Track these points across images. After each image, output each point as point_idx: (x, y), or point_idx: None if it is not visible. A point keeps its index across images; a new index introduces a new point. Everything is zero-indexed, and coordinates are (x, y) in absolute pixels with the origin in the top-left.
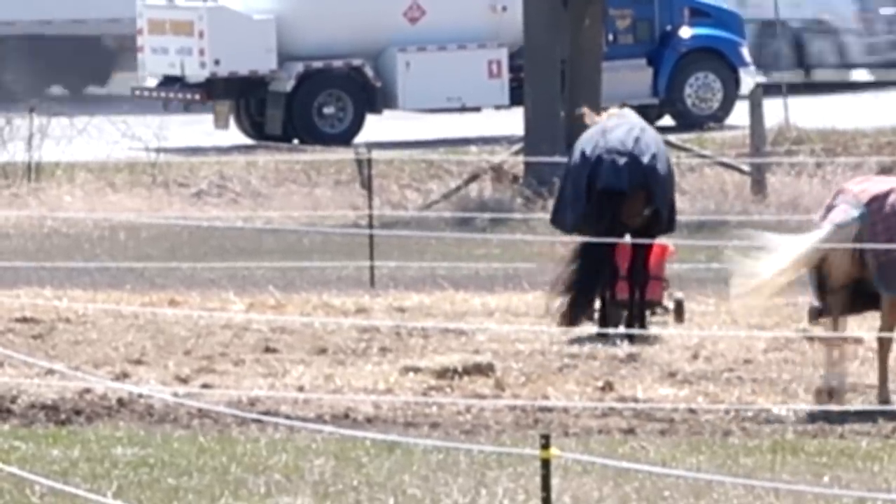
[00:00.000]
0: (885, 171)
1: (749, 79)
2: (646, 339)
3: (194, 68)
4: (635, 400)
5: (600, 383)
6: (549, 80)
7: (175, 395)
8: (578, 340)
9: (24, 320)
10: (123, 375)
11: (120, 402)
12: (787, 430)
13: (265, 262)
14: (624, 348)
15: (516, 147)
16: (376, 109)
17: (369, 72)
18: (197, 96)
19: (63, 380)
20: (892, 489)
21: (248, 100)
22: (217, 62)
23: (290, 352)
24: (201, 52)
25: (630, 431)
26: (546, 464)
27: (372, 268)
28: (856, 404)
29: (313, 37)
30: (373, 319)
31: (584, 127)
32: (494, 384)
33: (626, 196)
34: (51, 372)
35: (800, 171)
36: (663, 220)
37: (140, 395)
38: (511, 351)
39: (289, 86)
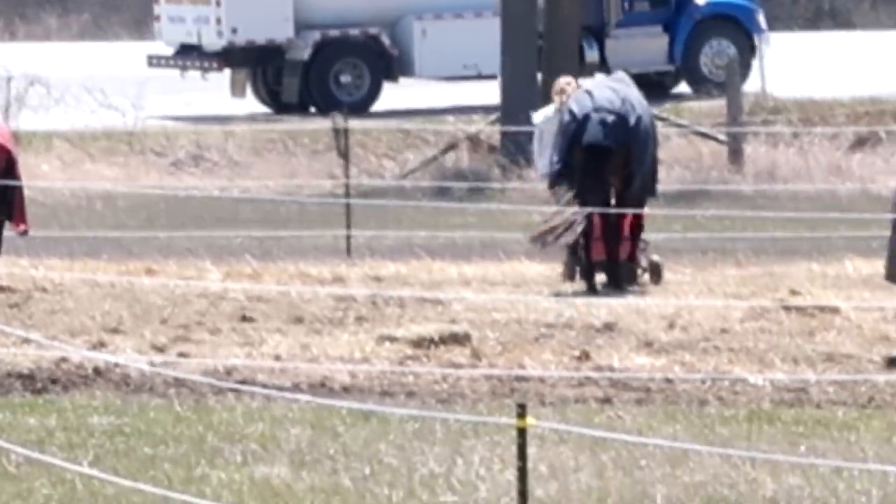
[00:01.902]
0: None
1: (764, 45)
2: (625, 305)
3: (211, 37)
4: (612, 369)
5: (577, 353)
6: (525, 51)
7: (151, 364)
8: (555, 310)
9: (1, 289)
10: (100, 344)
11: (96, 371)
12: (764, 399)
13: (242, 231)
14: (601, 317)
15: (493, 117)
16: (393, 77)
17: (386, 40)
18: (214, 64)
19: (40, 349)
20: (867, 458)
21: (265, 68)
22: (234, 31)
23: (266, 321)
24: (218, 21)
25: (606, 401)
26: (522, 433)
27: (349, 237)
28: (832, 373)
29: (330, 5)
30: (349, 288)
31: None
32: (471, 353)
33: (610, 152)
34: (27, 341)
35: (776, 141)
36: (638, 183)
37: (116, 364)
38: (488, 320)
39: (306, 54)
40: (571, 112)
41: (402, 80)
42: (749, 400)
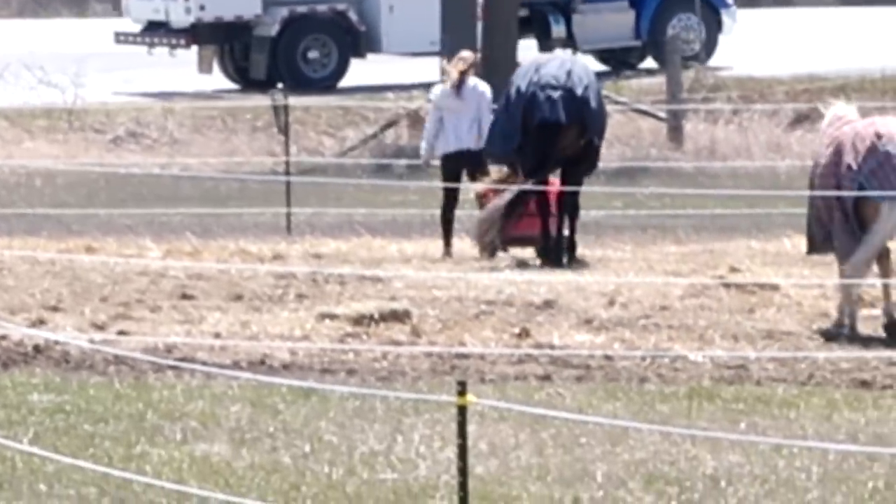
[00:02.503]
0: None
1: (729, 20)
2: (564, 282)
3: (179, 14)
4: (551, 347)
5: (517, 330)
6: (464, 26)
7: (91, 341)
8: (495, 287)
9: None
10: (40, 322)
11: (36, 348)
12: (704, 376)
13: (182, 208)
14: (541, 294)
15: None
16: (360, 54)
17: (353, 16)
18: (182, 41)
19: None
20: (807, 436)
21: (233, 45)
22: (202, 7)
23: (206, 298)
24: None
25: (546, 378)
26: (462, 410)
27: (289, 214)
28: (772, 350)
29: None
30: (289, 266)
31: (500, 73)
32: (411, 331)
33: (563, 128)
34: None
35: (716, 118)
36: (597, 151)
37: (56, 342)
38: (427, 298)
39: (273, 30)
40: (518, 89)
41: (370, 57)
42: (689, 377)
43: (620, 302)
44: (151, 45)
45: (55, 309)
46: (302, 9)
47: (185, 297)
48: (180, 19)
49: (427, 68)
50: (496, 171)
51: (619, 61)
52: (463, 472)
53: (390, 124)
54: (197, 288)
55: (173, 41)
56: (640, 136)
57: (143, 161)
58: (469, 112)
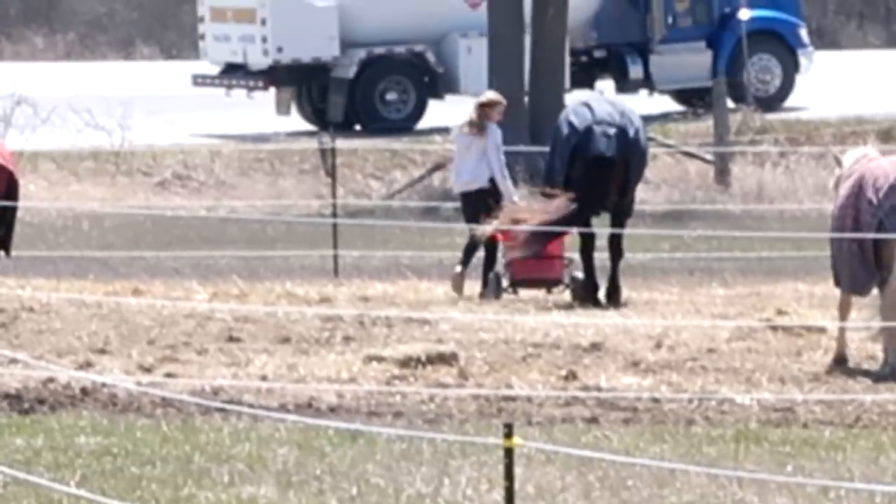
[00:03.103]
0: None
1: (806, 61)
2: (612, 325)
3: (257, 56)
4: (599, 389)
5: (564, 372)
6: (512, 70)
7: (138, 384)
8: (542, 329)
9: None
10: (87, 364)
11: (83, 391)
12: (751, 419)
13: (229, 251)
14: (588, 336)
15: None
16: (438, 94)
17: (431, 57)
18: (260, 83)
19: (26, 369)
20: (854, 478)
21: (311, 86)
22: (280, 49)
23: (253, 341)
24: (264, 40)
25: (593, 420)
26: (509, 453)
27: (335, 257)
28: (819, 393)
29: (375, 23)
30: (336, 308)
31: (547, 116)
32: (458, 373)
33: (616, 164)
34: (14, 361)
35: (763, 161)
36: (630, 197)
37: (103, 385)
38: (474, 340)
39: (351, 72)
40: (571, 124)
41: (448, 98)
42: (736, 420)
43: (667, 344)
44: (229, 87)
45: (102, 351)
46: (380, 50)
47: (231, 339)
48: (258, 61)
49: (661, 101)
50: (508, 212)
51: (696, 102)
52: None
53: (437, 167)
54: (244, 330)
55: (251, 83)
56: (688, 178)
57: (190, 204)
58: (484, 150)
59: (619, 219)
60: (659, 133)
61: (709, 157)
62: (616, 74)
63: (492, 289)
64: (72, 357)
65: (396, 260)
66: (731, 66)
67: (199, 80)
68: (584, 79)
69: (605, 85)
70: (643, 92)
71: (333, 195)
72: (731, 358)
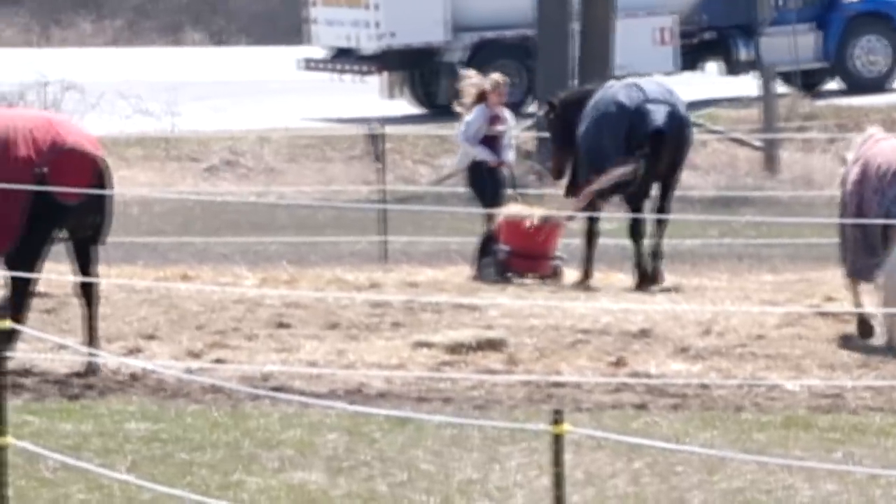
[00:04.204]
0: None
1: None
2: (661, 311)
3: (368, 41)
4: (648, 375)
5: (613, 358)
6: (560, 55)
7: (188, 370)
8: (591, 316)
9: (37, 295)
10: (136, 350)
11: (133, 377)
12: (800, 405)
13: (278, 236)
14: (637, 323)
15: (529, 122)
16: None
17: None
18: (371, 68)
19: (75, 354)
20: None
21: (421, 71)
22: (392, 34)
23: (302, 327)
24: (376, 25)
25: (642, 407)
26: (558, 439)
27: (384, 242)
28: (868, 379)
29: (486, 8)
30: (385, 294)
31: None
32: (507, 359)
33: (670, 140)
34: (63, 347)
35: (812, 147)
36: (678, 175)
37: (153, 370)
38: (524, 326)
39: (462, 56)
40: (621, 104)
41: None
42: (785, 406)
43: (716, 331)
44: (341, 71)
45: (152, 337)
46: (490, 35)
47: (281, 325)
48: (369, 46)
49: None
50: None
51: (804, 83)
52: (559, 500)
53: None
54: (293, 316)
55: (362, 68)
56: (736, 164)
57: (239, 189)
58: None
59: (666, 197)
60: (707, 119)
61: (757, 143)
62: (725, 56)
63: (492, 270)
64: (121, 343)
65: (445, 246)
66: (839, 47)
67: (311, 65)
68: (692, 61)
69: (714, 67)
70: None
71: (382, 181)
72: (780, 344)
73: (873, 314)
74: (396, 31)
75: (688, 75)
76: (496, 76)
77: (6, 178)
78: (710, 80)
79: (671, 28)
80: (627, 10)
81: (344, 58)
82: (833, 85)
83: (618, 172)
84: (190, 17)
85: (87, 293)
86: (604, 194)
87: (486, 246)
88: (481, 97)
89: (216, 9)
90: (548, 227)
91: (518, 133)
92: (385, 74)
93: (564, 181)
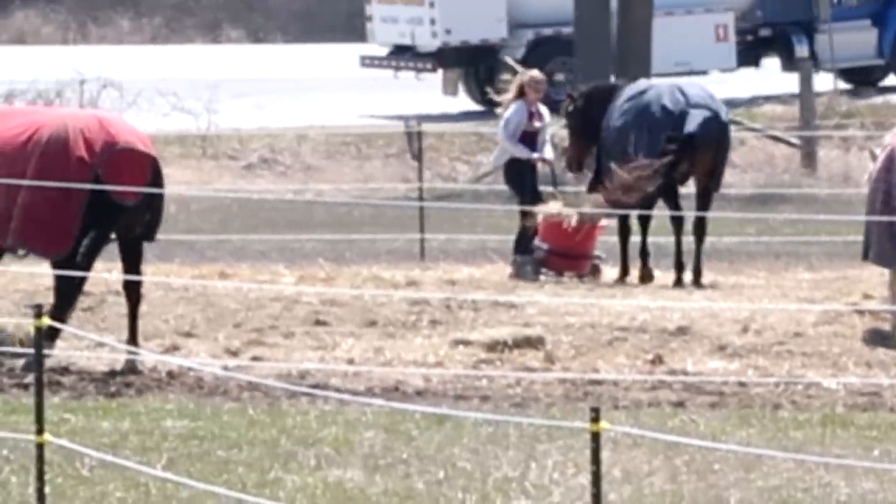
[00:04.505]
0: None
1: None
2: (698, 309)
3: (425, 38)
4: (685, 373)
5: (650, 356)
6: (598, 53)
7: (225, 367)
8: (629, 313)
9: None
10: (173, 348)
11: (170, 374)
12: (838, 403)
13: (315, 234)
14: (674, 320)
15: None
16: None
17: None
18: (428, 65)
19: (113, 353)
20: None
21: (478, 68)
22: (448, 31)
23: (340, 324)
24: (432, 22)
25: (680, 404)
26: (596, 437)
27: (422, 240)
28: None
29: (543, 4)
30: (423, 292)
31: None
32: (544, 357)
33: (705, 147)
34: (101, 345)
35: (849, 145)
36: (720, 179)
37: (190, 368)
38: (561, 324)
39: (519, 53)
40: (665, 107)
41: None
42: (823, 404)
43: (754, 328)
44: (397, 68)
45: (189, 335)
46: (547, 31)
47: (318, 323)
48: (427, 43)
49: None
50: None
51: (861, 80)
52: (597, 498)
53: None
54: (330, 314)
55: (420, 65)
56: (774, 162)
57: (276, 187)
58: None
59: (706, 201)
60: (745, 117)
61: (795, 140)
62: (782, 53)
63: (530, 268)
64: (158, 341)
65: (483, 243)
66: (895, 44)
67: (367, 62)
68: (750, 58)
69: (771, 63)
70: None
71: (420, 178)
72: (818, 342)
73: None
74: (453, 28)
75: (745, 72)
76: (534, 72)
77: (64, 177)
78: (768, 77)
79: (729, 25)
80: (686, 7)
81: (401, 55)
82: (891, 81)
83: (639, 165)
84: (228, 15)
85: (133, 291)
86: (631, 192)
87: (521, 242)
88: (520, 93)
89: (254, 6)
90: (586, 227)
91: (559, 130)
92: (442, 72)
93: (586, 174)
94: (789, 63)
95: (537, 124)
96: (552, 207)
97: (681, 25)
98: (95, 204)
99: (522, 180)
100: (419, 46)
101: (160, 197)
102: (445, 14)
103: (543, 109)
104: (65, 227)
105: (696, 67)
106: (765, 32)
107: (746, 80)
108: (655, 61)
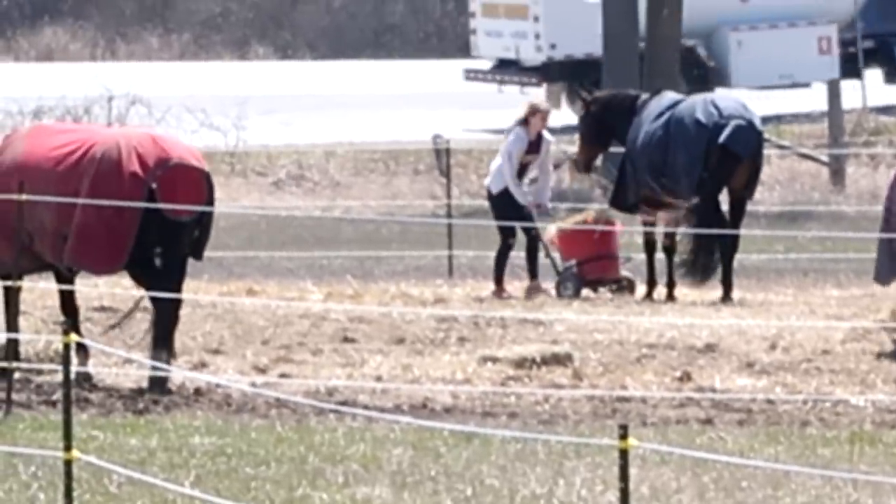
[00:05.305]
0: None
1: None
2: (726, 326)
3: (530, 52)
4: (713, 390)
5: (678, 373)
6: (627, 69)
7: (253, 384)
8: (656, 330)
9: (102, 309)
10: (201, 365)
11: (198, 391)
12: (866, 420)
13: (343, 251)
14: (702, 338)
15: None
16: (709, 88)
17: (702, 51)
18: (533, 79)
19: (141, 369)
20: None
21: (582, 82)
22: (553, 46)
23: (367, 341)
24: (537, 36)
25: (708, 422)
26: (624, 454)
27: (450, 257)
28: None
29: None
30: (451, 309)
31: None
32: (572, 374)
33: (742, 160)
34: (129, 361)
35: (878, 163)
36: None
37: (218, 385)
38: (589, 341)
39: None
40: (699, 122)
41: (718, 91)
42: (851, 421)
43: (782, 346)
44: (501, 82)
45: (217, 352)
46: None
47: (346, 340)
48: (531, 57)
49: (775, 101)
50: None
51: None
52: None
53: (554, 166)
54: (358, 331)
55: (524, 79)
56: (802, 179)
57: (305, 204)
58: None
59: (738, 214)
60: (773, 134)
61: (823, 158)
62: (884, 64)
63: (571, 286)
64: (186, 357)
65: (511, 261)
66: None
67: (472, 76)
68: (852, 69)
69: (873, 74)
70: None
71: (448, 195)
72: (846, 359)
73: None
74: (557, 43)
75: (845, 83)
76: (538, 101)
77: (118, 194)
78: (872, 88)
79: (832, 37)
80: (789, 20)
81: (505, 69)
82: None
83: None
84: (256, 32)
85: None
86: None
87: (501, 260)
88: (527, 118)
89: (282, 23)
90: (602, 225)
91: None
92: (545, 86)
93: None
94: (891, 74)
95: (530, 157)
96: (563, 224)
97: (784, 38)
98: (149, 220)
99: (508, 216)
100: (524, 60)
101: (210, 214)
102: (550, 29)
103: (547, 135)
104: (118, 244)
105: (800, 80)
106: (867, 44)
107: (850, 91)
108: (759, 74)
